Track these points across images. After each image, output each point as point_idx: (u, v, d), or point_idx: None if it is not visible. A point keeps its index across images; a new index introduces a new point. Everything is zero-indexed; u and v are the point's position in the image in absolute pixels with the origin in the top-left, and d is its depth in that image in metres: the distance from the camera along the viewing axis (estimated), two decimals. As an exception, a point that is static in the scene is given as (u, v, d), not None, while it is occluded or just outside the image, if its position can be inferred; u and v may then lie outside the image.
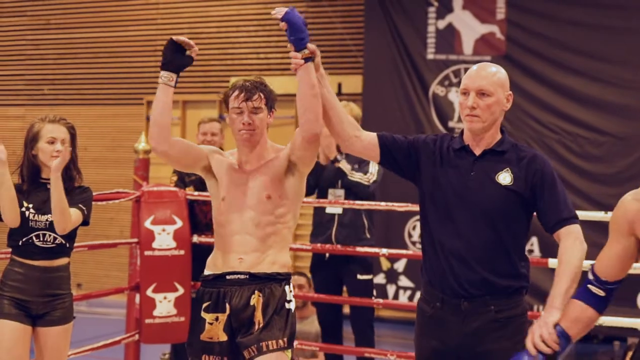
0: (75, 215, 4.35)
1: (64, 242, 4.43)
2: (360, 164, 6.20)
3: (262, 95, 3.82)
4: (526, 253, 3.60)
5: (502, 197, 3.45)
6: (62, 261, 4.45)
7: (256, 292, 3.75)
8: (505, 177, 3.48)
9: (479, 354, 3.48)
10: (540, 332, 3.12)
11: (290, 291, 3.84)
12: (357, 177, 6.19)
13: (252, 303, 3.73)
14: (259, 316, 3.72)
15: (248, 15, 10.69)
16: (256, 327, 3.70)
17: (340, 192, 6.23)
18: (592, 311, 3.07)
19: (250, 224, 3.80)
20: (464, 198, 3.49)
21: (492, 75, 3.52)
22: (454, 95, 9.05)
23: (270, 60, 10.57)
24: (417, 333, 3.67)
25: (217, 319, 3.77)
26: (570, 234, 3.41)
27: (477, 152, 3.56)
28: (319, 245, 6.33)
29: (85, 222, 4.45)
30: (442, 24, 9.20)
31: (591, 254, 3.34)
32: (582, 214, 5.84)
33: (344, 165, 6.20)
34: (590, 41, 8.58)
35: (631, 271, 3.09)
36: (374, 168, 6.19)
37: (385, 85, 9.33)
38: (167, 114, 3.80)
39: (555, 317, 3.15)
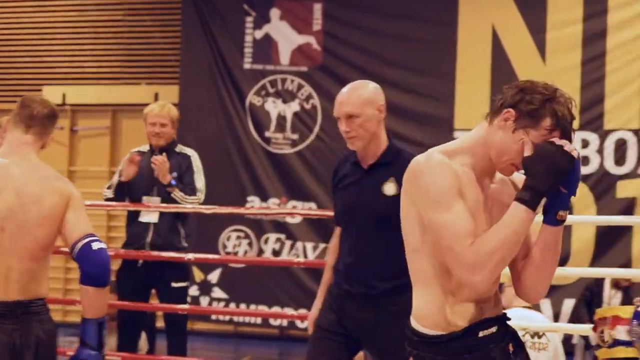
0: None
1: None
2: (184, 175, 6.03)
3: None
4: None
5: (389, 207, 3.58)
6: None
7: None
8: (390, 188, 3.77)
9: (376, 339, 3.83)
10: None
11: None
12: (189, 200, 6.00)
13: None
14: None
15: (62, 23, 10.33)
16: None
17: (156, 199, 6.02)
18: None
19: None
20: (356, 210, 3.86)
21: (356, 98, 3.78)
22: (270, 105, 9.06)
23: (85, 69, 10.25)
24: (324, 307, 3.98)
25: None
26: None
27: (365, 166, 3.88)
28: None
29: None
30: (259, 34, 9.19)
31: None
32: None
33: (177, 194, 5.97)
34: (404, 53, 8.73)
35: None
36: (200, 182, 6.04)
37: (202, 95, 9.27)
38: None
39: None
